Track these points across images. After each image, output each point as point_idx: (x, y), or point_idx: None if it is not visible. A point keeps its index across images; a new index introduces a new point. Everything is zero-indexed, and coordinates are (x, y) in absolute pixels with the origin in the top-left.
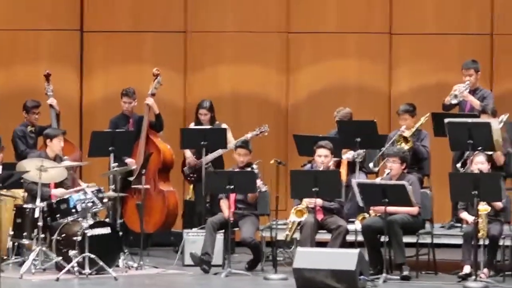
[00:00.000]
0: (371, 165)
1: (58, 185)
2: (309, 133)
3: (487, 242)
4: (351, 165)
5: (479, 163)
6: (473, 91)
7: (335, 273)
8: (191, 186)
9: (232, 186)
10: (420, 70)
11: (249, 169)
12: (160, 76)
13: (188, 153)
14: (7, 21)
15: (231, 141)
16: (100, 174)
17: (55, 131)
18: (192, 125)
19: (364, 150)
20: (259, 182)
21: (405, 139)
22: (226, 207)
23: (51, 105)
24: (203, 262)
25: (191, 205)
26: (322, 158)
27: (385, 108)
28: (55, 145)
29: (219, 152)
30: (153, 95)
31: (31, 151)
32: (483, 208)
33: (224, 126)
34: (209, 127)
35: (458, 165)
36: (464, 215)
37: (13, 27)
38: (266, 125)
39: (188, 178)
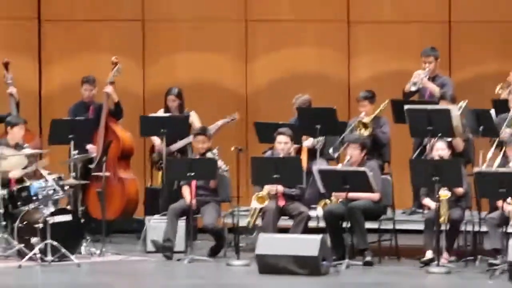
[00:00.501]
0: (330, 150)
1: None
2: (269, 120)
3: (448, 226)
4: (312, 152)
5: (439, 149)
6: (432, 78)
7: (297, 259)
8: (159, 173)
9: (192, 173)
10: (379, 58)
11: (209, 155)
12: (119, 64)
13: (156, 140)
14: None
15: None
16: (60, 162)
17: (16, 119)
18: (161, 111)
19: (324, 137)
20: (220, 163)
21: (364, 125)
22: (188, 194)
23: (11, 94)
24: (165, 248)
25: (153, 192)
26: (282, 145)
27: (344, 96)
28: (16, 133)
29: (188, 139)
30: (112, 83)
31: None
32: (444, 193)
33: (192, 114)
34: (168, 114)
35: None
36: (427, 201)
37: None
38: (236, 113)
39: (157, 165)
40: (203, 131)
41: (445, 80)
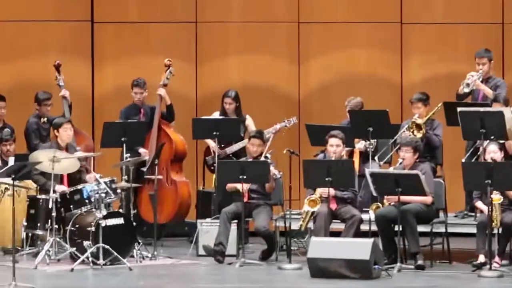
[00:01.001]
0: (376, 158)
1: (71, 175)
2: (321, 123)
3: (500, 230)
4: (364, 155)
5: (492, 152)
6: (485, 80)
7: (349, 262)
8: (214, 176)
9: (244, 176)
10: (431, 59)
11: (263, 158)
12: (172, 67)
13: (211, 142)
14: (15, 13)
15: None
16: (112, 165)
17: (59, 120)
18: (216, 114)
19: (375, 140)
20: (273, 170)
21: (418, 126)
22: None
23: (64, 97)
24: (216, 253)
25: (205, 195)
26: (334, 147)
27: (396, 98)
28: (62, 135)
29: (244, 142)
30: (165, 85)
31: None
32: (496, 197)
33: (248, 118)
34: (221, 117)
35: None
36: (479, 204)
37: (21, 18)
38: (295, 117)
39: (212, 168)
40: (259, 134)
41: (499, 82)
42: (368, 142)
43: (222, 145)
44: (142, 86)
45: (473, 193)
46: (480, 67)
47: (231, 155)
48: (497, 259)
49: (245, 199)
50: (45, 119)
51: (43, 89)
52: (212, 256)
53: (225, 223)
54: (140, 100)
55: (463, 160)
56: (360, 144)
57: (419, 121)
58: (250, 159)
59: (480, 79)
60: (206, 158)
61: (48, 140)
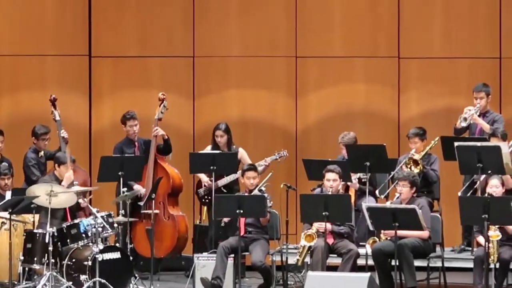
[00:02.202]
0: (376, 192)
1: (69, 209)
2: (318, 157)
3: (498, 265)
4: (360, 189)
5: (493, 186)
6: (483, 114)
7: None
8: (205, 208)
9: (241, 211)
10: (429, 94)
11: (257, 191)
12: (166, 101)
13: (203, 175)
14: (13, 47)
15: None
16: (111, 200)
17: (63, 158)
18: (208, 148)
19: (369, 173)
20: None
21: (415, 162)
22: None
23: (63, 137)
24: (214, 286)
25: (202, 229)
26: (331, 182)
27: (394, 132)
28: (62, 171)
29: (234, 176)
30: (159, 119)
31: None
32: (494, 234)
33: (240, 150)
34: (218, 151)
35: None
36: (480, 239)
37: (18, 52)
38: (285, 151)
39: (203, 200)
40: (253, 167)
41: (496, 116)
42: (362, 174)
43: (212, 179)
44: (136, 117)
45: (474, 227)
46: (477, 101)
47: (222, 188)
48: None
49: (242, 233)
50: (42, 153)
51: (41, 123)
52: None
53: (222, 257)
54: (136, 133)
55: (460, 194)
56: (354, 179)
57: (416, 156)
58: (246, 193)
59: (478, 114)
60: (198, 190)
61: (45, 174)
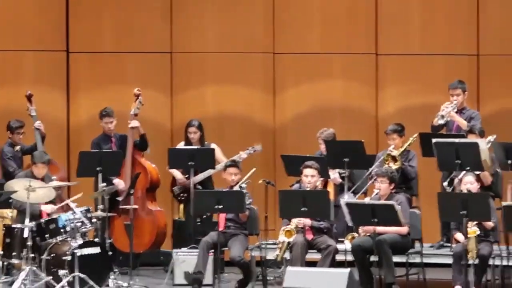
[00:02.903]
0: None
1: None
2: (296, 153)
3: (477, 261)
4: (339, 185)
5: (468, 183)
6: (459, 111)
7: None
8: (181, 206)
9: (220, 206)
10: (407, 91)
11: (237, 188)
12: (141, 96)
13: (177, 173)
14: None
15: (223, 160)
16: (89, 195)
17: (40, 158)
18: (181, 144)
19: (349, 169)
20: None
21: (394, 158)
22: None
23: (37, 128)
24: (195, 281)
25: (180, 225)
26: (309, 178)
27: (371, 128)
28: (40, 169)
29: (209, 172)
30: (135, 115)
31: (19, 171)
32: (472, 230)
33: (213, 146)
34: (196, 147)
35: (445, 183)
36: (458, 236)
37: None
38: (260, 144)
39: (178, 198)
40: (235, 163)
41: (473, 113)
42: (338, 171)
43: (187, 176)
44: (112, 114)
45: (451, 224)
46: (454, 98)
47: (197, 185)
48: None
49: (221, 228)
50: (19, 147)
51: (17, 118)
52: (191, 285)
53: (204, 252)
54: (112, 129)
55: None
56: (333, 175)
57: (395, 152)
58: (226, 189)
59: (455, 110)
60: (173, 188)
61: (21, 168)
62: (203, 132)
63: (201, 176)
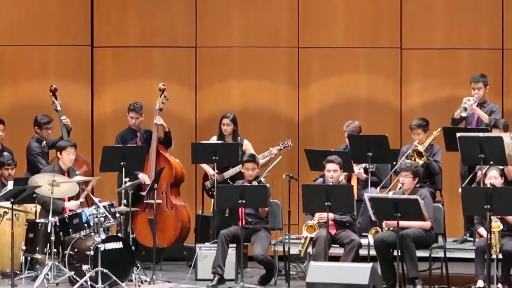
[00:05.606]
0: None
1: (70, 199)
2: (320, 147)
3: (500, 256)
4: (367, 179)
5: (492, 177)
6: (480, 105)
7: (348, 287)
8: (212, 201)
9: (243, 201)
10: (431, 85)
11: (255, 182)
12: (166, 91)
13: (208, 168)
14: (15, 37)
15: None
16: (112, 190)
17: (65, 143)
18: (214, 138)
19: (375, 164)
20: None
21: (419, 154)
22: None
23: (65, 124)
24: (214, 275)
25: (204, 219)
26: (331, 172)
27: (395, 123)
28: (64, 158)
29: (240, 167)
30: (160, 110)
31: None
32: (496, 225)
33: (245, 142)
34: (220, 141)
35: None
36: (481, 230)
37: (20, 42)
38: (289, 140)
39: (210, 193)
40: (252, 158)
41: (494, 107)
42: (363, 165)
43: (217, 171)
44: (138, 110)
45: (475, 218)
46: (475, 91)
47: (228, 180)
48: (499, 286)
49: (242, 223)
50: (45, 142)
51: (41, 113)
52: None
53: (223, 245)
54: (136, 125)
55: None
56: (358, 170)
57: (420, 148)
58: (246, 183)
59: (476, 104)
60: (205, 183)
61: (48, 164)
62: (236, 125)
63: (231, 172)
